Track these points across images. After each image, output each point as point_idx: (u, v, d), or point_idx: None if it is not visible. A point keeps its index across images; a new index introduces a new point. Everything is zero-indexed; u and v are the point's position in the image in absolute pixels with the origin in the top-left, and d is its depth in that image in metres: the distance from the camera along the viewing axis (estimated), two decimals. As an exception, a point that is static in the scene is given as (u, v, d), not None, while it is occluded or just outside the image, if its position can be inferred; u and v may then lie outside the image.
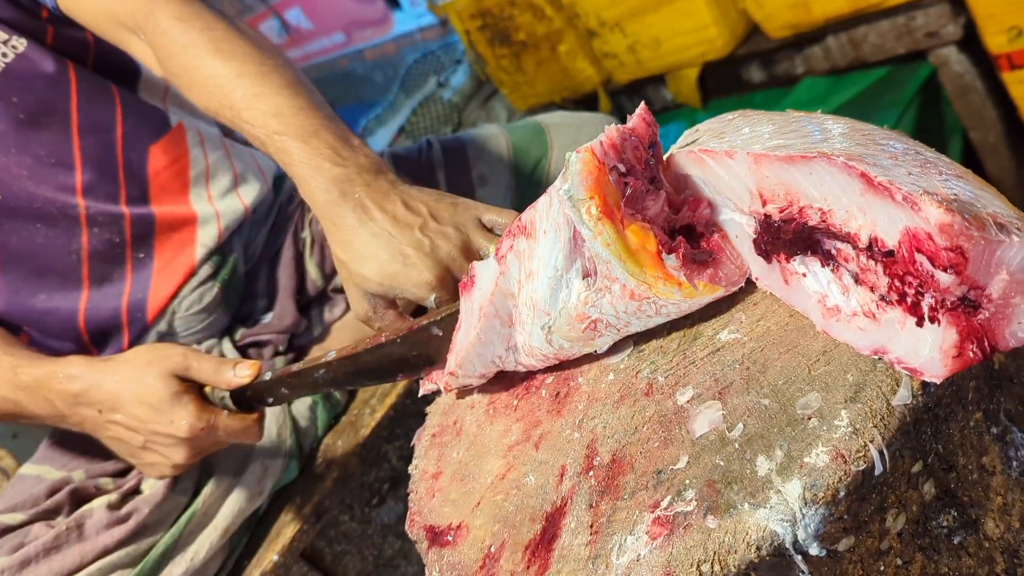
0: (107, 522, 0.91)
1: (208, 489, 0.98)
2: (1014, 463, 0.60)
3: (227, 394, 0.84)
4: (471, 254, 0.75)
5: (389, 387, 1.11)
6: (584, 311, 0.64)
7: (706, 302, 0.63)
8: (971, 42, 1.91)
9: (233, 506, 0.98)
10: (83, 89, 1.02)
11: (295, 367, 0.81)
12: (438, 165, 1.20)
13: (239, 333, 1.13)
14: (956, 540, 0.56)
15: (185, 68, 0.84)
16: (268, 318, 1.15)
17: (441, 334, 0.74)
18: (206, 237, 1.09)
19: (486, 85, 2.92)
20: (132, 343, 1.07)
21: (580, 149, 0.63)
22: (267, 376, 0.83)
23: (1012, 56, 1.84)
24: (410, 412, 1.11)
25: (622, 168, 0.64)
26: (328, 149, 0.77)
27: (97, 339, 1.06)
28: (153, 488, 0.95)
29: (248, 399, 0.85)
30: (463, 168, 1.19)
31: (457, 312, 0.73)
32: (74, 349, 1.07)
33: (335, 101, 3.17)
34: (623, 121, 0.68)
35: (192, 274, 1.08)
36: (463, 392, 0.79)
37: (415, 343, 0.75)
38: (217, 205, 1.11)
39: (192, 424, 0.83)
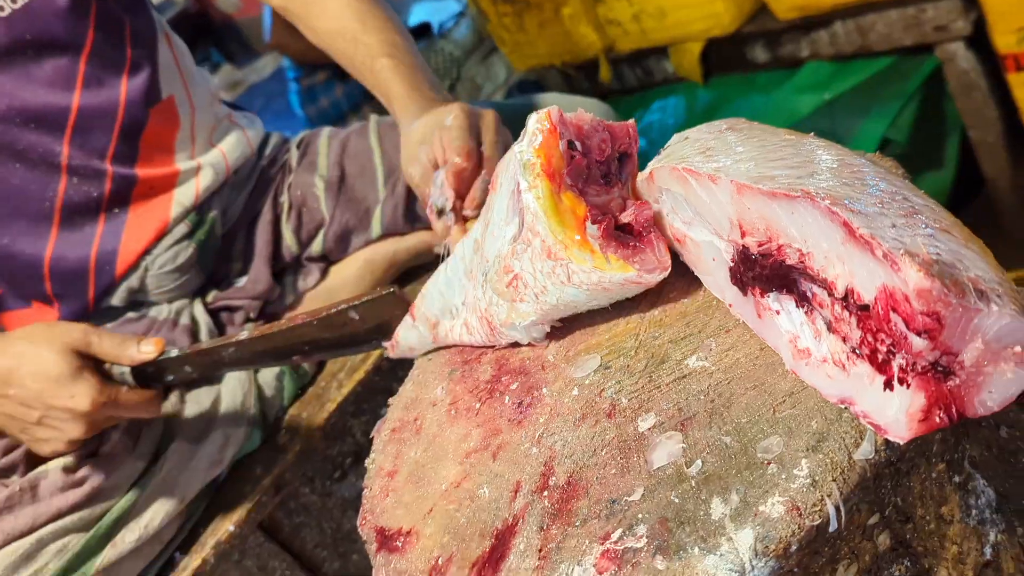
0: (62, 485, 0.90)
1: (167, 455, 0.97)
2: (973, 511, 0.59)
3: (127, 371, 0.84)
4: None
5: (359, 361, 1.09)
6: (509, 263, 0.67)
7: (619, 281, 0.63)
8: (979, 39, 1.88)
9: (192, 474, 0.97)
10: (97, 42, 1.00)
11: (204, 344, 0.82)
12: None
13: (211, 295, 1.11)
14: (907, 589, 0.55)
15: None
16: (242, 282, 1.13)
17: (358, 318, 0.75)
18: (183, 196, 1.07)
19: (487, 40, 2.86)
20: (98, 298, 1.04)
21: (540, 111, 0.67)
22: (172, 353, 0.83)
23: (1019, 57, 1.80)
24: (378, 388, 1.09)
25: (577, 145, 0.68)
26: (427, 81, 0.99)
27: (60, 289, 1.04)
28: (110, 452, 0.94)
29: (149, 377, 0.84)
30: (447, 142, 1.17)
31: (377, 298, 0.76)
32: (36, 297, 1.04)
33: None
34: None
35: (166, 231, 1.06)
36: (425, 386, 0.77)
37: (331, 325, 0.75)
38: (200, 161, 1.09)
39: (94, 398, 0.82)
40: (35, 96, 0.97)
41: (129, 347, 0.84)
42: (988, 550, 0.59)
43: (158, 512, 0.95)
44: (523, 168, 0.65)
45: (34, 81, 0.96)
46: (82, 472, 0.92)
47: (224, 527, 0.98)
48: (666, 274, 0.65)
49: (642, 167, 0.72)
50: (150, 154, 1.05)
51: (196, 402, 1.01)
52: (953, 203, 2.01)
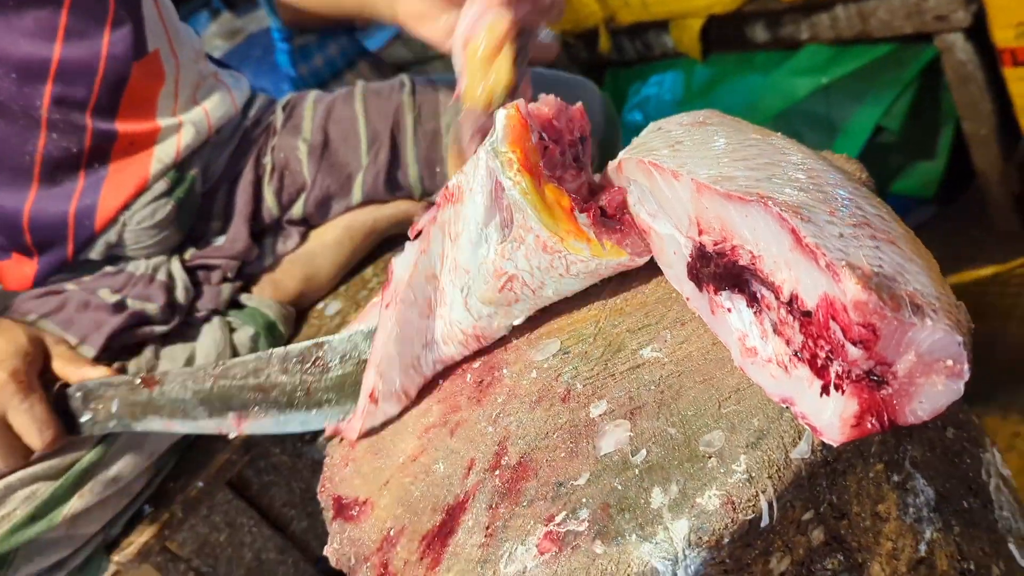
0: (33, 434, 0.91)
1: (140, 410, 0.98)
2: (911, 509, 0.61)
3: (52, 392, 0.85)
4: None
5: (335, 327, 1.11)
6: (500, 266, 0.67)
7: (613, 265, 0.65)
8: (979, 32, 1.87)
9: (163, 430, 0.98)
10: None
11: (138, 379, 0.82)
12: (408, 106, 1.17)
13: (189, 253, 1.12)
14: (839, 583, 0.57)
15: None
16: (220, 241, 1.14)
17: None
18: (163, 152, 1.07)
19: (489, 3, 2.83)
20: (77, 251, 1.05)
21: (507, 106, 0.67)
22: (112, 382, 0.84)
23: (1016, 52, 1.80)
24: (353, 354, 1.10)
25: (546, 136, 0.68)
26: None
27: (40, 241, 1.04)
28: None
29: (65, 406, 0.86)
30: (432, 113, 1.17)
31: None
32: (16, 248, 1.05)
33: None
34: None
35: (145, 187, 1.06)
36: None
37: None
38: (182, 118, 1.09)
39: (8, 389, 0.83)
40: (16, 47, 0.96)
41: (77, 367, 0.87)
42: (923, 547, 0.61)
43: (127, 465, 0.96)
44: (502, 166, 0.64)
45: (14, 31, 0.96)
46: (53, 423, 0.93)
47: (193, 483, 0.99)
48: (650, 256, 0.66)
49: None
50: (131, 109, 1.05)
51: (171, 359, 1.02)
52: (942, 194, 2.02)
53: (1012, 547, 0.70)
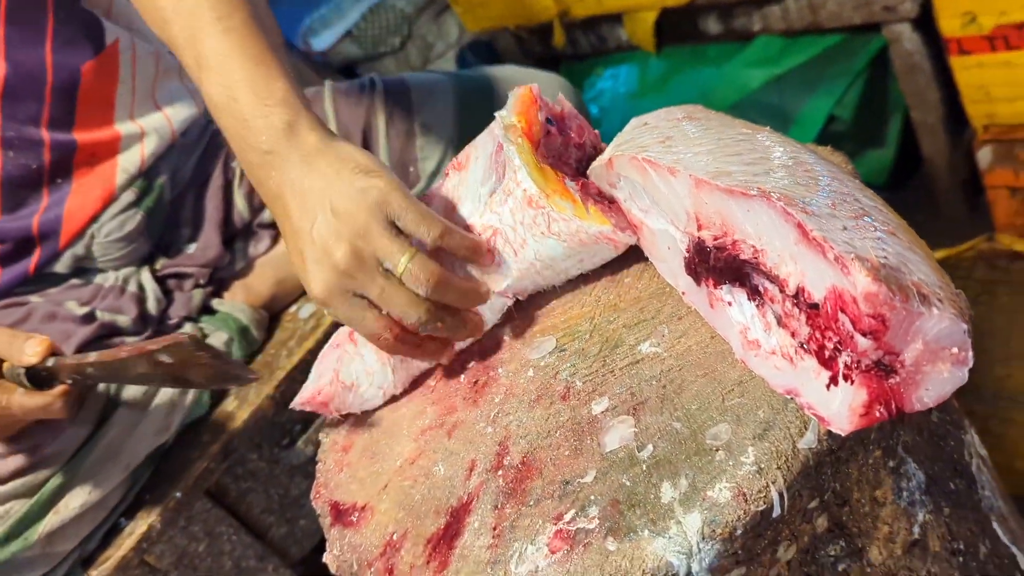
0: (3, 452, 0.89)
1: (112, 422, 0.96)
2: (904, 493, 0.63)
3: (22, 372, 0.79)
4: (364, 264, 0.65)
5: (309, 330, 1.09)
6: (487, 219, 0.69)
7: (594, 235, 0.66)
8: (926, 22, 1.92)
9: (138, 441, 0.96)
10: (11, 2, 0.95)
11: (70, 360, 0.78)
12: (379, 107, 1.16)
13: (160, 263, 1.09)
14: (841, 567, 0.58)
15: None
16: (191, 249, 1.11)
17: (171, 361, 0.69)
18: (127, 162, 1.04)
19: (440, -2, 2.82)
20: (41, 264, 1.02)
21: (520, 87, 0.72)
22: (49, 363, 0.78)
23: (962, 41, 1.85)
24: (328, 356, 1.09)
25: (554, 122, 0.72)
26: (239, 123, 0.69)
27: (3, 256, 1.01)
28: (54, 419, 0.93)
29: (44, 379, 0.81)
30: (406, 113, 1.16)
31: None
32: None
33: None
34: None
35: (111, 199, 1.03)
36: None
37: (151, 364, 0.71)
38: (143, 126, 1.05)
39: None
40: None
41: (14, 347, 0.78)
42: (917, 529, 0.62)
43: (102, 479, 0.94)
44: (505, 129, 0.68)
45: None
46: (25, 439, 0.91)
47: (171, 493, 0.97)
48: (635, 240, 0.67)
49: (601, 138, 0.75)
50: (88, 116, 1.01)
51: (144, 367, 1.00)
52: (892, 181, 2.07)
53: (995, 525, 0.72)
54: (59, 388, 0.80)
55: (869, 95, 2.02)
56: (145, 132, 1.05)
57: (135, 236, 1.05)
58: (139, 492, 0.99)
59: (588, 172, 0.73)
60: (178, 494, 0.97)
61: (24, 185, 0.99)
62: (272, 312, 1.15)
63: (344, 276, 0.65)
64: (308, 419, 1.09)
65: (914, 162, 2.07)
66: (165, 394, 1.01)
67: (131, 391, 0.98)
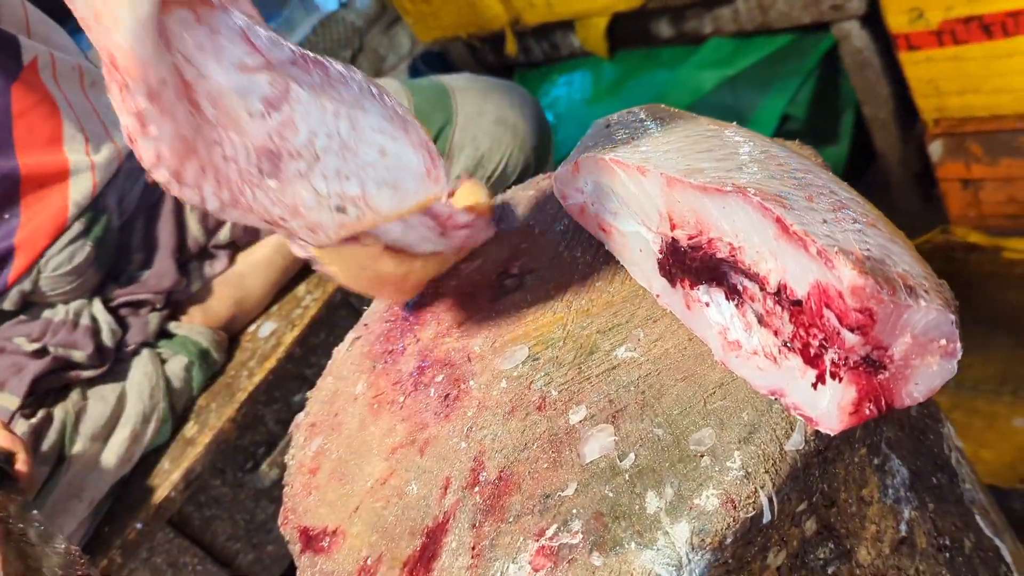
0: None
1: (73, 457, 0.92)
2: (890, 490, 0.62)
3: None
4: None
5: (270, 349, 1.06)
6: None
7: (413, 205, 0.60)
8: (874, 19, 1.94)
9: (100, 475, 0.93)
10: None
11: None
12: None
13: (112, 292, 1.05)
14: (831, 570, 0.57)
15: None
16: (144, 275, 1.07)
17: None
18: (78, 193, 1.00)
19: (390, 9, 2.80)
20: None
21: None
22: None
23: (911, 37, 1.87)
24: (289, 375, 1.06)
25: None
26: None
27: None
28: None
29: None
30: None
31: None
32: None
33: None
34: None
35: (62, 232, 0.99)
36: (345, 380, 0.75)
37: None
38: (93, 156, 1.01)
39: None
40: None
41: None
42: (903, 527, 0.61)
43: (66, 517, 0.90)
44: None
45: None
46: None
47: (131, 524, 0.94)
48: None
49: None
50: (29, 140, 0.97)
51: (100, 399, 0.96)
52: (847, 176, 2.08)
53: (978, 518, 0.71)
54: None
55: (821, 93, 2.03)
56: (95, 162, 1.01)
57: (84, 268, 1.01)
58: (98, 525, 0.95)
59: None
60: (139, 525, 0.93)
61: None
62: (231, 333, 1.11)
63: None
64: (272, 441, 1.06)
65: (867, 157, 2.09)
66: (126, 425, 0.97)
67: (89, 424, 0.94)
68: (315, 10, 3.06)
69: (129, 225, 1.08)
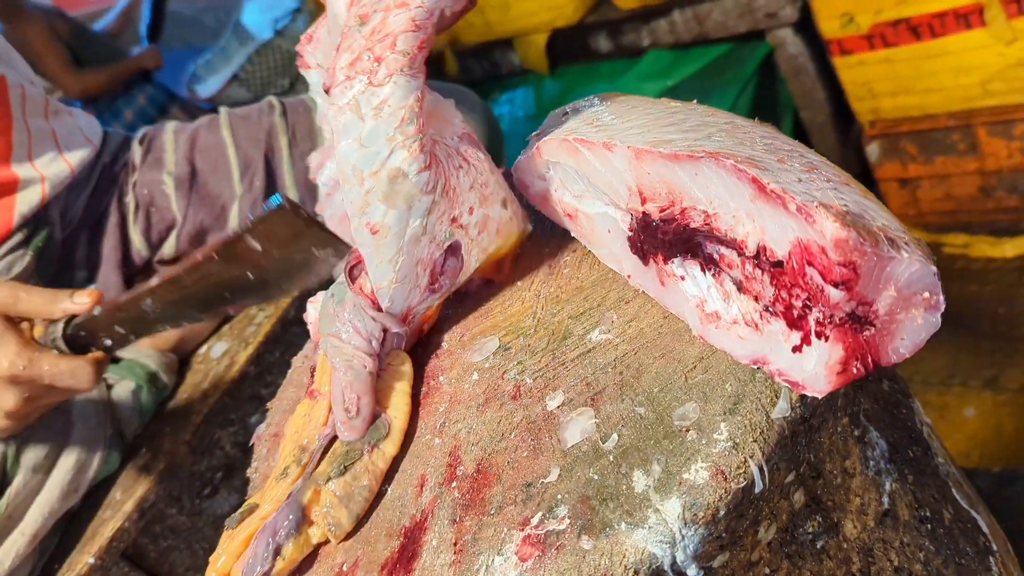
0: None
1: (13, 490, 0.87)
2: (871, 463, 0.61)
3: (59, 335, 0.76)
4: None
5: (223, 370, 1.02)
6: None
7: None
8: (806, 26, 1.98)
9: (43, 507, 0.88)
10: None
11: (122, 297, 0.73)
12: (280, 129, 1.10)
13: None
14: (819, 544, 0.56)
15: None
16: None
17: (260, 248, 0.65)
18: (24, 205, 0.97)
19: (326, 36, 2.78)
20: None
21: None
22: (96, 312, 0.75)
23: (843, 41, 1.91)
24: (245, 396, 1.03)
25: None
26: None
27: None
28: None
29: (82, 343, 0.76)
30: (307, 133, 1.11)
31: (266, 217, 0.64)
32: None
33: (162, 43, 2.94)
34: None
35: (2, 243, 0.95)
36: (306, 387, 0.73)
37: (232, 258, 0.66)
38: (43, 170, 0.97)
39: (12, 360, 0.74)
40: None
41: (60, 300, 0.75)
42: (886, 499, 0.61)
43: (8, 553, 0.85)
44: None
45: None
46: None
47: (83, 560, 0.89)
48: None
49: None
50: None
51: (44, 427, 0.91)
52: (790, 182, 2.12)
53: (954, 491, 0.71)
54: (92, 354, 0.77)
55: (760, 99, 2.07)
56: (45, 176, 0.97)
57: (25, 278, 0.96)
58: (47, 562, 0.90)
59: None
60: (91, 560, 0.88)
61: None
62: (181, 355, 1.07)
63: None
64: (230, 465, 1.02)
65: (808, 161, 2.13)
66: (71, 455, 0.92)
67: (31, 455, 0.89)
68: (250, 40, 3.03)
69: (73, 239, 1.05)
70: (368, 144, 0.56)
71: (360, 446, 0.59)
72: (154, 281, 0.70)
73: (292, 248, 0.65)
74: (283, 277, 0.67)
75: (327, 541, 0.58)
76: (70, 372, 0.76)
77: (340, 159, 0.57)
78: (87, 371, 0.76)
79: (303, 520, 0.56)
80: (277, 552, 0.55)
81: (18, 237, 0.97)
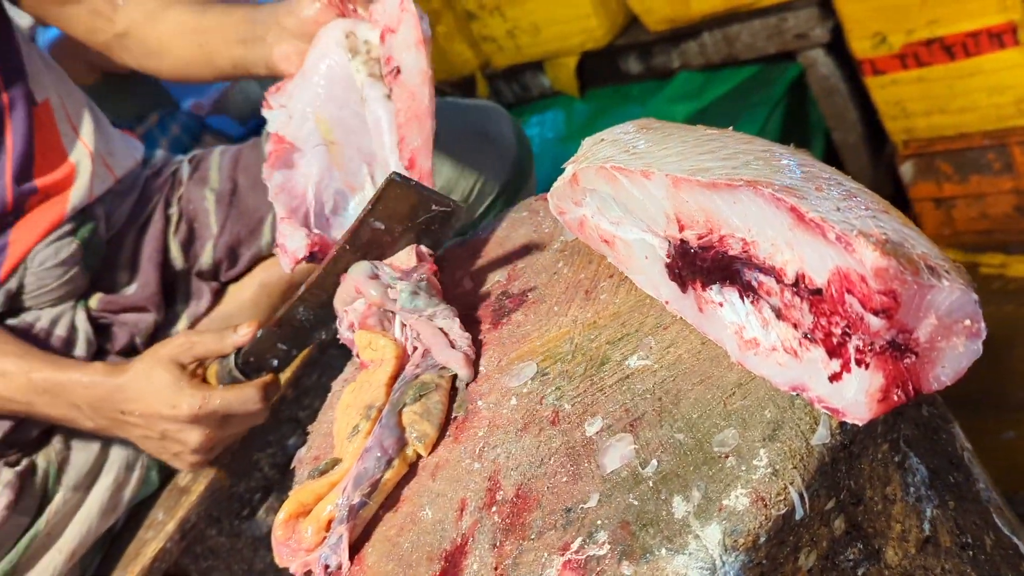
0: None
1: (52, 507, 0.89)
2: (911, 488, 0.61)
3: (232, 366, 0.83)
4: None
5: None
6: None
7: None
8: (838, 46, 1.97)
9: (82, 525, 0.89)
10: None
11: (277, 314, 0.80)
12: None
13: (95, 300, 1.04)
14: (860, 572, 0.56)
15: None
16: (130, 290, 1.07)
17: (383, 226, 0.73)
18: (77, 198, 1.03)
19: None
20: None
21: None
22: (259, 335, 0.82)
23: (875, 61, 1.91)
24: (284, 419, 1.04)
25: None
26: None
27: None
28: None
29: (254, 368, 0.84)
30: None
31: (381, 195, 0.72)
32: None
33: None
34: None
35: (55, 230, 1.00)
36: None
37: (363, 241, 0.73)
38: (94, 167, 1.04)
39: (189, 403, 0.83)
40: None
41: (227, 336, 0.84)
42: (927, 526, 0.60)
43: (44, 570, 0.87)
44: None
45: None
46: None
47: (125, 579, 0.90)
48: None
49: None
50: (44, 161, 1.01)
51: (84, 448, 0.93)
52: (822, 202, 2.10)
53: (995, 517, 0.71)
54: (259, 379, 0.84)
55: (790, 121, 2.06)
56: (95, 171, 1.04)
57: (71, 264, 1.01)
58: (90, 582, 0.92)
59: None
60: (133, 580, 0.90)
61: None
62: (220, 378, 1.09)
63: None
64: (268, 487, 1.03)
65: (840, 182, 2.11)
66: (109, 474, 0.94)
67: (72, 474, 0.91)
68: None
69: (119, 240, 1.10)
70: None
71: (429, 379, 0.67)
72: (300, 290, 0.77)
73: (410, 217, 0.72)
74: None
75: (418, 460, 0.65)
76: (239, 401, 0.83)
77: None
78: (254, 395, 0.83)
79: (403, 439, 0.64)
80: (388, 464, 0.62)
81: (67, 227, 1.02)
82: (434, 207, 0.73)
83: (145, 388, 0.84)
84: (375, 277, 0.71)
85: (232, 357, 0.83)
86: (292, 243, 0.81)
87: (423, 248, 0.75)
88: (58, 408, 0.88)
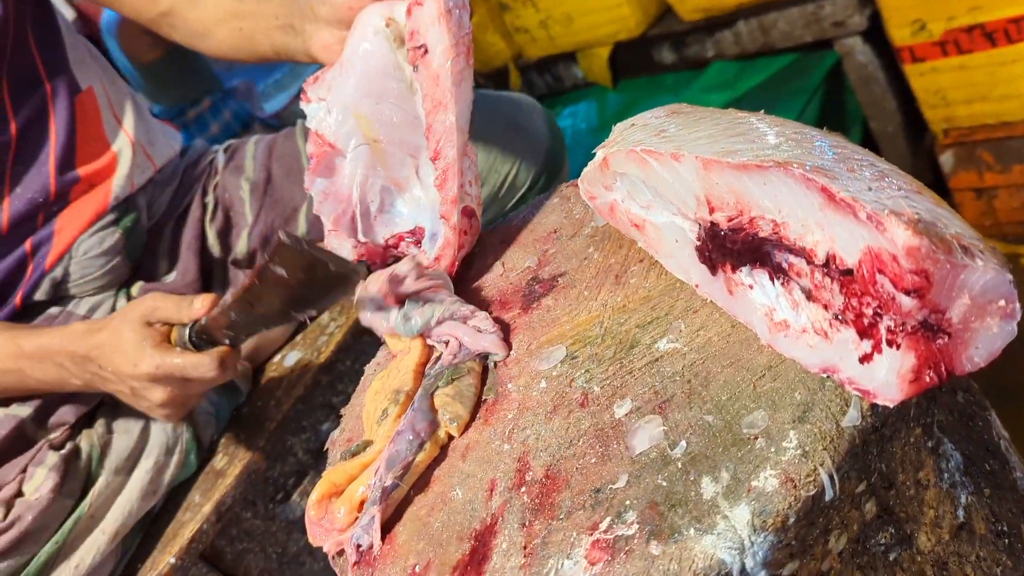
0: (-14, 534, 0.84)
1: (96, 490, 0.91)
2: (945, 475, 0.60)
3: (186, 335, 0.84)
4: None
5: (296, 378, 1.05)
6: None
7: None
8: (876, 33, 1.95)
9: (124, 507, 0.91)
10: (12, 69, 0.98)
11: (215, 311, 0.82)
12: None
13: (136, 287, 1.06)
14: (892, 556, 0.55)
15: None
16: (170, 278, 1.09)
17: (285, 273, 0.70)
18: (119, 187, 1.05)
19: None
20: (28, 292, 1.01)
21: None
22: (203, 321, 0.83)
23: (914, 49, 1.88)
24: (317, 404, 1.05)
25: None
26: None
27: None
28: (38, 492, 0.88)
29: (206, 342, 0.85)
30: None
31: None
32: None
33: (234, 64, 3.03)
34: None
35: (100, 219, 1.03)
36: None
37: (268, 282, 0.72)
38: (134, 159, 1.07)
39: (148, 363, 0.84)
40: None
41: (183, 308, 0.85)
42: (961, 512, 0.60)
43: (89, 550, 0.89)
44: None
45: None
46: (11, 516, 0.86)
47: (164, 560, 0.92)
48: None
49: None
50: (86, 146, 1.03)
51: (125, 431, 0.95)
52: (859, 193, 2.08)
53: (1032, 505, 0.70)
54: (216, 349, 0.84)
55: (827, 110, 2.04)
56: (135, 159, 1.07)
57: (113, 252, 1.04)
58: (130, 561, 0.94)
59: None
60: (172, 560, 0.92)
61: (27, 216, 1.01)
62: (255, 363, 1.11)
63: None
64: (302, 471, 1.04)
65: (878, 172, 2.09)
66: (150, 457, 0.96)
67: (114, 458, 0.93)
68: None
69: (159, 230, 1.13)
70: None
71: (462, 364, 0.68)
72: (229, 298, 0.78)
73: (309, 272, 0.70)
74: (312, 299, 0.74)
75: (449, 441, 0.65)
76: (192, 367, 0.84)
77: None
78: (208, 363, 0.84)
79: (435, 423, 0.65)
80: (420, 446, 0.63)
81: (110, 217, 1.05)
82: (332, 267, 0.70)
83: (116, 346, 0.86)
84: (381, 309, 0.74)
85: (187, 328, 0.84)
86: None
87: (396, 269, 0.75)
88: (47, 371, 0.90)
